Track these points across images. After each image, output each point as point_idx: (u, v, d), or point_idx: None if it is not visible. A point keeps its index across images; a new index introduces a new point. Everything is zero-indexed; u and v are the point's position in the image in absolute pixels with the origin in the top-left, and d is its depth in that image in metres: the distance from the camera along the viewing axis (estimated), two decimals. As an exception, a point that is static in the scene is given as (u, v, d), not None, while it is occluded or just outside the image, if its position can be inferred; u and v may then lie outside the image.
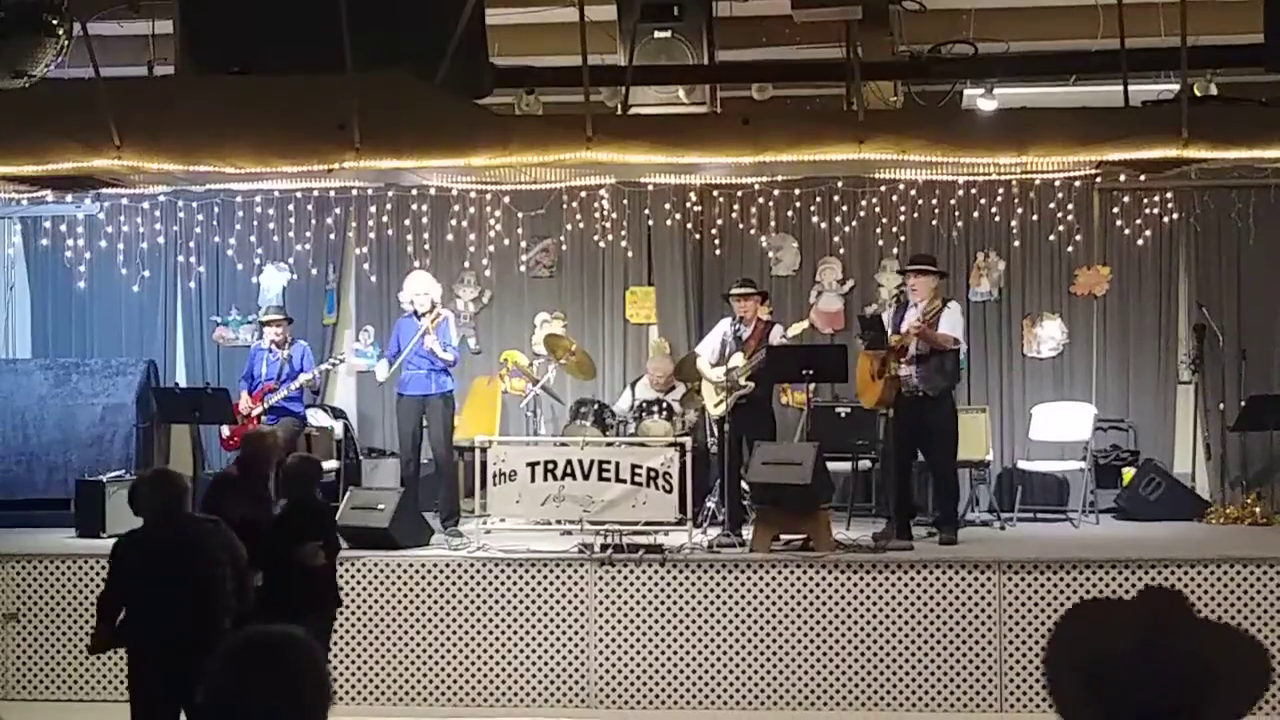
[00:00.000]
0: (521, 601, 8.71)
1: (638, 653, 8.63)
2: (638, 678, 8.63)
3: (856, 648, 8.51)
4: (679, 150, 7.69)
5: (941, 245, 11.54)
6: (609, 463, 9.12)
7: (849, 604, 8.53)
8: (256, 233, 12.11)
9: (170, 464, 11.90)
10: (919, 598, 8.51)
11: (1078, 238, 11.44)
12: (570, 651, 8.67)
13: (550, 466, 9.19)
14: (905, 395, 9.24)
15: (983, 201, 11.46)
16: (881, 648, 8.50)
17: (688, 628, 8.61)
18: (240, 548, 6.26)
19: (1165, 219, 11.40)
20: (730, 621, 8.58)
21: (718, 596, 8.61)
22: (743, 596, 8.59)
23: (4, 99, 6.35)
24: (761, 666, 8.56)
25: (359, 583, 8.85)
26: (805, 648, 8.53)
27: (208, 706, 2.57)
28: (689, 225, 11.84)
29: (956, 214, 11.54)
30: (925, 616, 8.49)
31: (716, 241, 11.81)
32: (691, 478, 9.14)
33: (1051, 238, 11.49)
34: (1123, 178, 10.35)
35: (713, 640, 8.59)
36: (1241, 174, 10.24)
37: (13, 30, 5.34)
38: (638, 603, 8.65)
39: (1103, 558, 8.58)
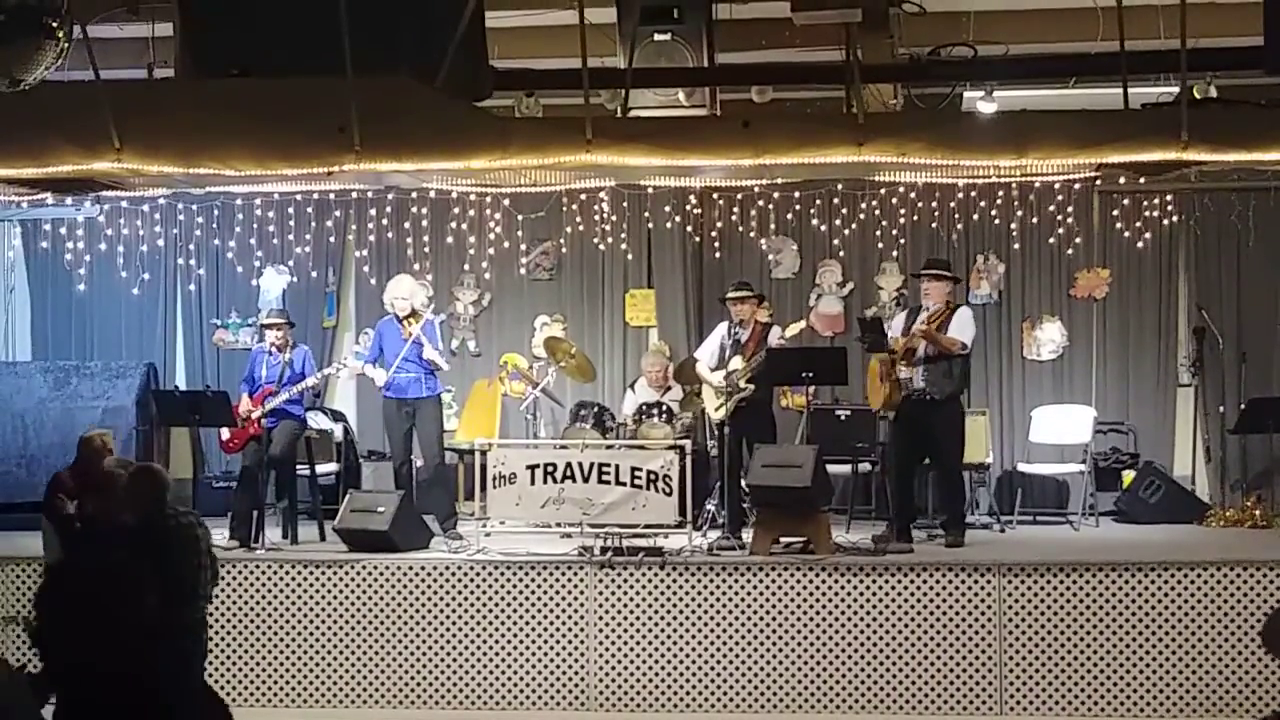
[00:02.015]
0: (521, 604, 8.71)
1: (637, 655, 8.63)
2: (637, 680, 8.62)
3: (856, 650, 8.50)
4: (679, 153, 7.69)
5: (941, 248, 11.53)
6: (609, 465, 9.11)
7: (849, 607, 8.53)
8: (256, 235, 12.12)
9: (170, 467, 11.93)
10: (919, 601, 8.50)
11: (1077, 240, 11.45)
12: (570, 654, 8.66)
13: (550, 469, 9.18)
14: (912, 398, 9.24)
15: (982, 204, 11.47)
16: (881, 650, 8.49)
17: (687, 630, 8.60)
18: (211, 548, 6.52)
19: (1165, 221, 11.41)
20: (730, 624, 8.58)
21: (717, 599, 8.60)
22: (742, 599, 8.59)
23: (4, 102, 6.35)
24: (761, 669, 8.55)
25: (358, 586, 8.84)
26: (805, 651, 8.53)
27: None
28: (689, 228, 11.85)
29: (956, 216, 11.55)
30: (925, 619, 8.49)
31: (716, 244, 11.82)
32: (691, 480, 9.13)
33: (1051, 240, 11.50)
34: (1122, 180, 10.36)
35: (712, 643, 8.58)
36: (1241, 176, 10.25)
37: (13, 34, 5.34)
38: (637, 605, 8.64)
39: (1103, 560, 8.57)
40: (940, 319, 9.27)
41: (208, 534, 6.56)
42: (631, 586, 8.66)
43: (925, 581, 8.51)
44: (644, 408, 10.56)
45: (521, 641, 8.69)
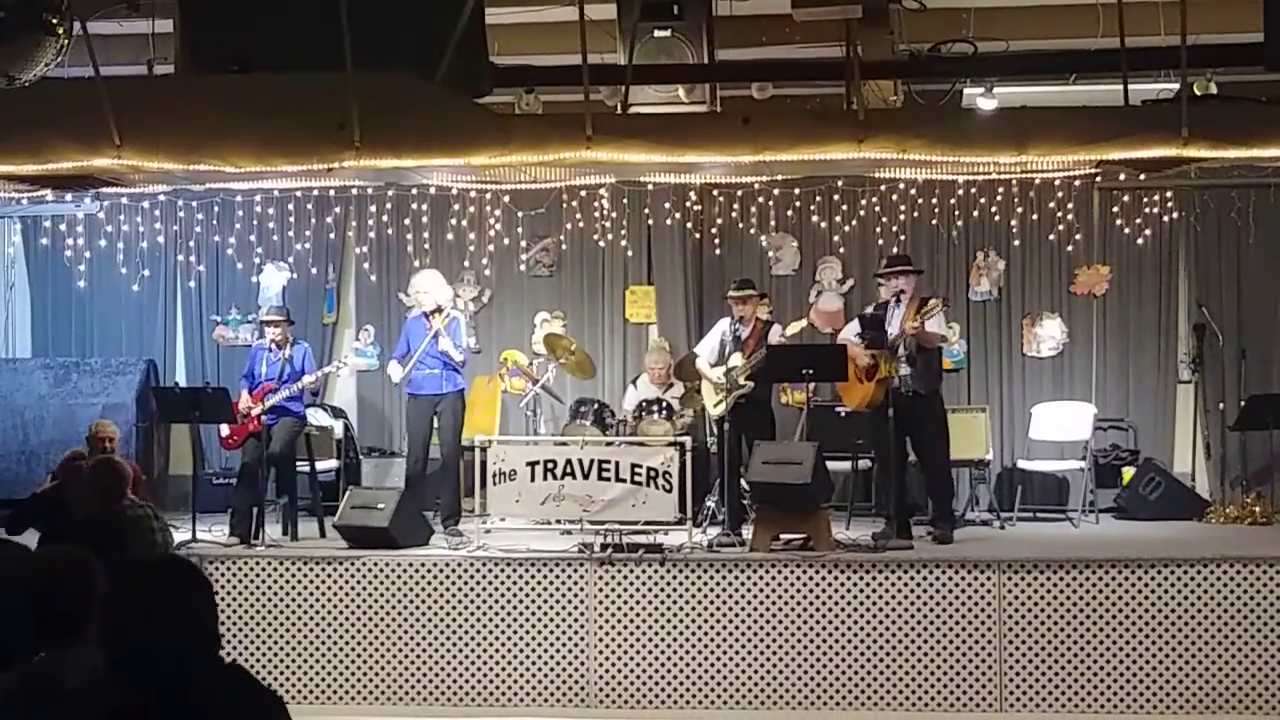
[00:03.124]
0: (521, 601, 8.71)
1: (637, 652, 8.63)
2: (637, 677, 8.63)
3: (856, 647, 8.51)
4: (679, 149, 7.69)
5: (941, 245, 11.56)
6: (609, 462, 9.11)
7: (849, 604, 8.53)
8: (256, 232, 12.13)
9: (170, 463, 11.97)
10: (918, 597, 8.50)
11: (1078, 237, 11.45)
12: (570, 651, 8.67)
13: (550, 466, 9.18)
14: (902, 394, 9.24)
15: (983, 201, 11.47)
16: (881, 647, 8.49)
17: (687, 627, 8.60)
18: (169, 538, 6.91)
19: (1165, 218, 11.41)
20: (730, 621, 8.58)
21: (717, 596, 8.60)
22: (742, 596, 8.59)
23: (4, 98, 6.35)
24: (761, 666, 8.56)
25: (358, 582, 8.85)
26: (805, 647, 8.53)
27: None
28: (689, 224, 11.85)
29: (956, 213, 11.55)
30: (925, 616, 8.49)
31: (716, 241, 11.82)
32: (691, 477, 9.13)
33: (1051, 237, 11.50)
34: (1123, 177, 10.35)
35: (712, 640, 8.59)
36: (1241, 173, 10.25)
37: (13, 30, 5.33)
38: (637, 602, 8.64)
39: (1102, 557, 8.57)
40: (931, 310, 9.25)
41: (164, 526, 6.85)
42: (631, 583, 8.66)
43: (925, 578, 8.51)
44: (644, 404, 10.57)
45: (521, 638, 8.69)
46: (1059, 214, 11.43)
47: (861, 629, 8.51)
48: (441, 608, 8.77)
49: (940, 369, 9.62)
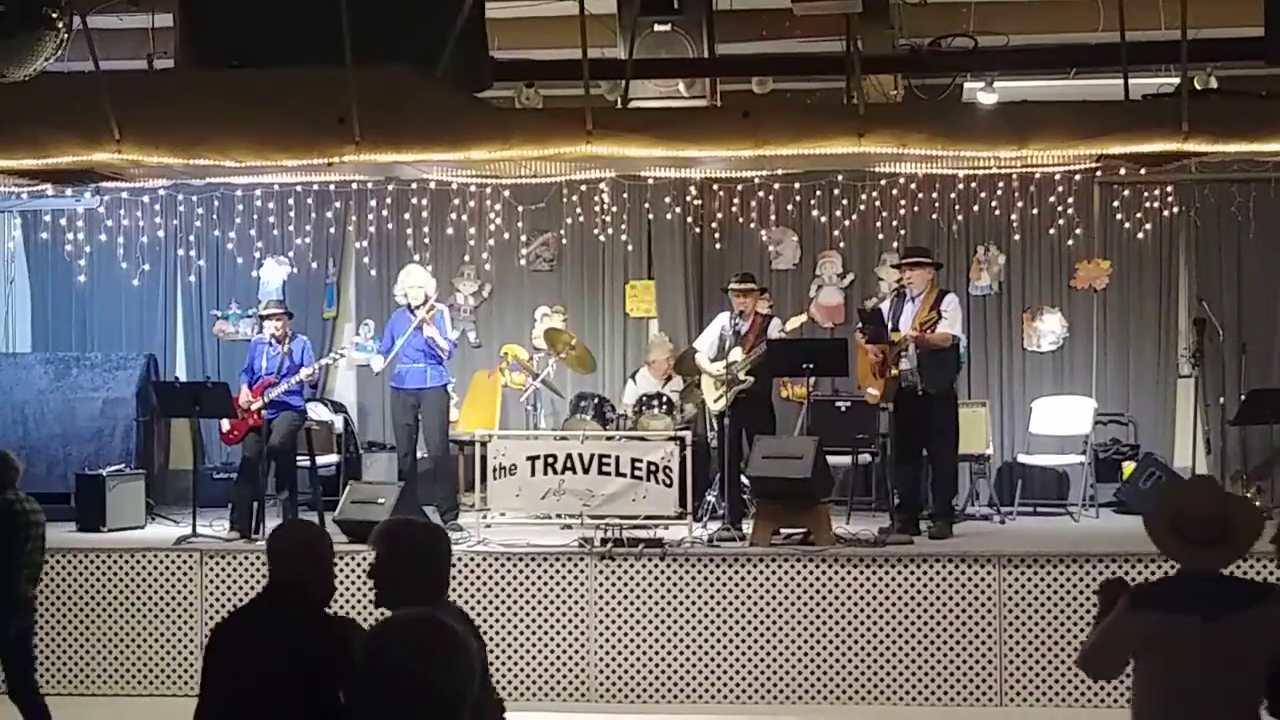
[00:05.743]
0: (521, 595, 8.72)
1: (638, 647, 8.64)
2: (638, 672, 8.64)
3: (856, 642, 8.52)
4: (679, 144, 7.68)
5: (941, 239, 11.55)
6: (609, 457, 9.12)
7: (849, 598, 8.54)
8: (256, 226, 12.13)
9: (170, 458, 11.97)
10: (919, 591, 8.51)
11: (1078, 231, 11.45)
12: (570, 646, 8.67)
13: (550, 460, 9.19)
14: (906, 390, 9.24)
15: (983, 195, 11.47)
16: (881, 641, 8.50)
17: (688, 622, 8.61)
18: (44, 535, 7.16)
19: (1165, 212, 11.41)
20: (730, 616, 8.59)
21: (718, 590, 8.61)
22: (742, 590, 8.60)
23: (4, 92, 6.36)
24: (761, 661, 8.57)
25: (359, 576, 8.84)
26: (805, 642, 8.54)
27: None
28: (689, 219, 11.85)
29: (956, 208, 11.55)
30: (925, 610, 8.50)
31: (716, 235, 11.82)
32: (691, 472, 9.14)
33: (1052, 231, 11.50)
34: (1123, 171, 10.35)
35: (713, 634, 8.60)
36: (1242, 167, 10.27)
37: (14, 25, 5.34)
38: (638, 597, 8.65)
39: (1102, 551, 8.58)
40: (930, 320, 9.24)
41: (42, 520, 7.14)
42: (632, 578, 8.67)
43: (925, 572, 8.52)
44: (644, 399, 10.57)
45: (522, 633, 8.70)
46: (1059, 208, 11.43)
47: (861, 623, 8.52)
48: (442, 602, 8.77)
49: (953, 363, 9.51)
